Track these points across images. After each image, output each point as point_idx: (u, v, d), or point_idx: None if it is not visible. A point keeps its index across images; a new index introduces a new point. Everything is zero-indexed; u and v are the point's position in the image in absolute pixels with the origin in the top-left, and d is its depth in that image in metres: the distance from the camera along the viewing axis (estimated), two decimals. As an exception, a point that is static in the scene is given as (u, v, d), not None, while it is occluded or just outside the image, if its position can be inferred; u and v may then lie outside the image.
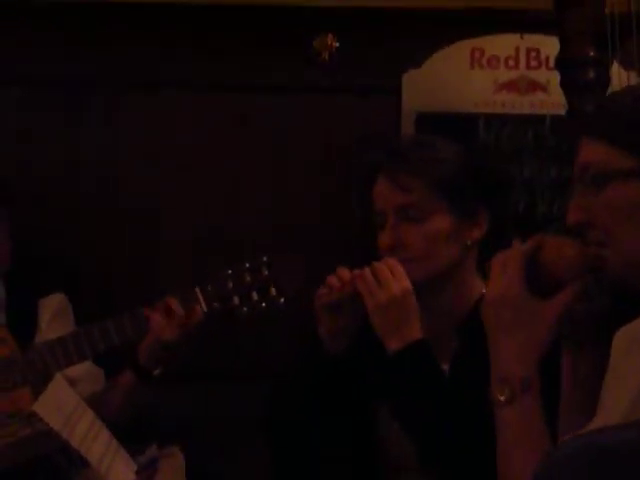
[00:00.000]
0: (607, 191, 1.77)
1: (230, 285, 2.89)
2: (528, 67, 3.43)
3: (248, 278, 2.89)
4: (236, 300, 2.89)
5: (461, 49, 3.47)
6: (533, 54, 3.42)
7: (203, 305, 2.90)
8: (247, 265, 2.90)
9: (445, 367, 2.34)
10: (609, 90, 2.56)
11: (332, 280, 2.36)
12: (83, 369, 3.06)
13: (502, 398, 1.84)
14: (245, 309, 2.89)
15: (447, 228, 2.40)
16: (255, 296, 2.88)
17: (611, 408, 1.59)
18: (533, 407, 1.82)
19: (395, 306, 2.26)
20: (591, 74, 2.52)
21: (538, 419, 1.82)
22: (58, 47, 3.62)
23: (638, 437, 1.43)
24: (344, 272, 2.35)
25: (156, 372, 2.93)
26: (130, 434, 2.62)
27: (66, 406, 2.46)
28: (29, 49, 3.61)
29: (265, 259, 2.89)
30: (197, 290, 2.91)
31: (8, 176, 3.28)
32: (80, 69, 3.62)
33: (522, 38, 3.43)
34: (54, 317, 3.20)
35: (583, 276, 1.82)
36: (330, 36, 3.57)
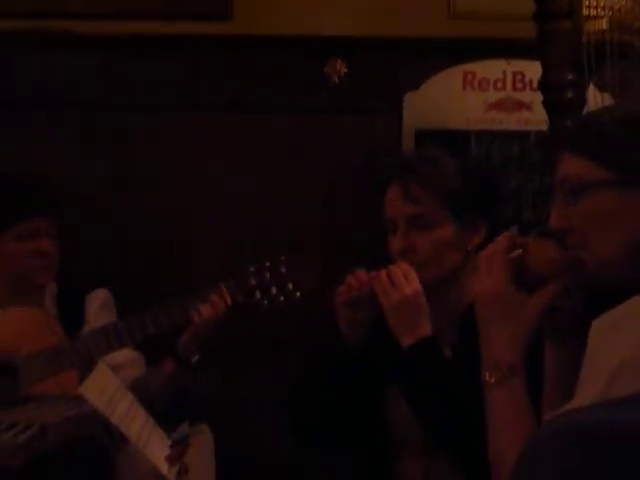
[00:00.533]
0: (583, 201, 1.78)
1: (252, 281, 2.93)
2: (514, 89, 3.44)
3: (268, 275, 2.92)
4: (257, 294, 2.93)
5: (455, 73, 3.48)
6: (519, 77, 3.43)
7: (228, 299, 2.92)
8: (267, 264, 2.93)
9: (447, 353, 2.37)
10: (585, 109, 2.57)
11: (351, 280, 2.39)
12: (126, 356, 3.07)
13: (492, 380, 1.85)
14: (265, 302, 2.93)
15: (451, 236, 2.43)
16: (274, 291, 2.92)
17: (587, 390, 1.59)
18: (520, 389, 1.84)
19: (407, 305, 2.29)
20: (570, 95, 2.52)
21: (524, 400, 1.84)
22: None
23: (612, 416, 1.41)
24: (362, 274, 2.38)
25: (194, 360, 2.97)
26: (164, 414, 2.60)
27: (108, 389, 2.45)
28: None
29: (283, 259, 2.92)
30: (222, 286, 2.93)
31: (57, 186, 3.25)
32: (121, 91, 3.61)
33: (508, 63, 3.44)
34: (99, 310, 3.21)
35: (563, 275, 1.85)
36: (339, 62, 3.56)
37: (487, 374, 1.86)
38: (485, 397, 1.87)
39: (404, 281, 2.31)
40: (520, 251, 1.87)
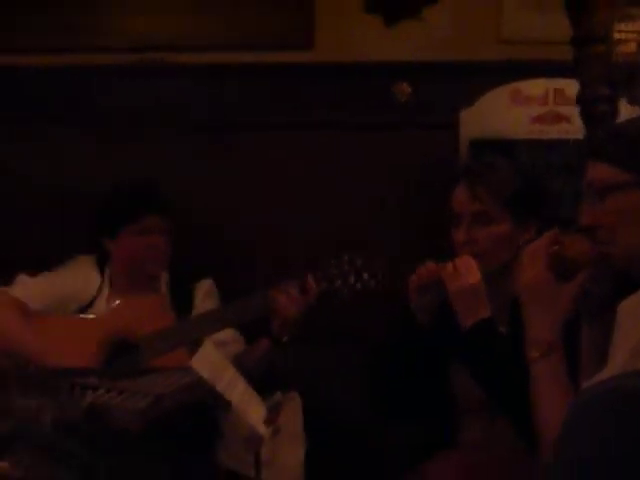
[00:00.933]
0: (609, 201, 1.80)
1: (334, 272, 2.93)
2: (555, 103, 3.38)
3: (346, 267, 2.92)
4: (339, 282, 2.92)
5: (504, 91, 3.43)
6: (559, 93, 3.37)
7: (314, 286, 2.93)
8: (346, 257, 2.93)
9: (503, 330, 2.39)
10: (618, 120, 2.53)
11: (421, 270, 2.41)
12: (228, 335, 3.09)
13: (535, 355, 1.89)
14: (345, 290, 2.92)
15: (507, 232, 2.45)
16: (352, 280, 2.91)
17: (614, 362, 1.62)
18: (559, 363, 1.87)
19: (469, 292, 2.29)
20: (604, 108, 2.47)
21: (563, 372, 1.87)
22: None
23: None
24: (431, 264, 2.40)
25: (285, 339, 2.98)
26: (260, 384, 2.61)
27: (213, 362, 2.47)
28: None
29: (359, 253, 2.92)
30: (308, 275, 2.93)
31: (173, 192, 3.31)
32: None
33: (549, 81, 3.39)
34: (205, 297, 3.23)
35: (593, 266, 1.88)
36: (405, 84, 3.55)
37: (530, 350, 1.90)
38: (529, 371, 1.90)
39: (467, 271, 2.31)
40: (557, 247, 1.91)
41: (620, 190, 1.78)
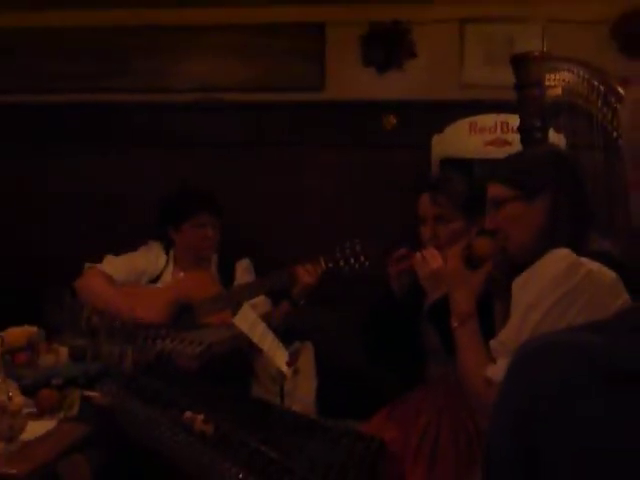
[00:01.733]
0: (502, 210, 1.87)
1: (338, 254, 2.95)
2: (502, 132, 3.39)
3: (348, 251, 2.94)
4: (342, 263, 2.93)
5: (464, 122, 3.43)
6: (505, 124, 3.38)
7: (323, 265, 2.94)
8: (348, 244, 2.95)
9: None
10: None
11: (397, 253, 2.39)
12: (260, 299, 3.09)
13: (456, 324, 1.92)
14: (346, 268, 2.93)
15: (462, 227, 2.43)
16: (352, 261, 2.92)
17: (511, 323, 1.72)
18: (475, 328, 1.90)
19: (434, 275, 2.26)
20: (537, 135, 2.46)
21: (477, 335, 1.89)
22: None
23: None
24: (403, 250, 2.38)
25: (301, 302, 2.99)
26: (283, 336, 2.65)
27: (250, 320, 2.49)
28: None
29: (357, 241, 2.94)
30: (320, 257, 2.95)
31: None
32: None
33: (498, 116, 3.39)
34: (243, 272, 3.25)
35: (495, 257, 1.94)
36: (391, 116, 3.55)
37: (454, 321, 1.93)
38: (453, 336, 1.92)
39: (432, 259, 2.28)
40: (467, 247, 1.99)
41: (509, 202, 1.85)
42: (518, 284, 1.74)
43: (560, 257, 1.71)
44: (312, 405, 3.13)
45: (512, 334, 1.73)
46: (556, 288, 1.66)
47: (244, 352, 2.85)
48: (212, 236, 3.17)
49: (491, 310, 1.96)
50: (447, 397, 2.31)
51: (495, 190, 1.90)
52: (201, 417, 1.80)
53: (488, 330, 1.89)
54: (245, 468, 1.64)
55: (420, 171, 3.34)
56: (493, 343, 1.74)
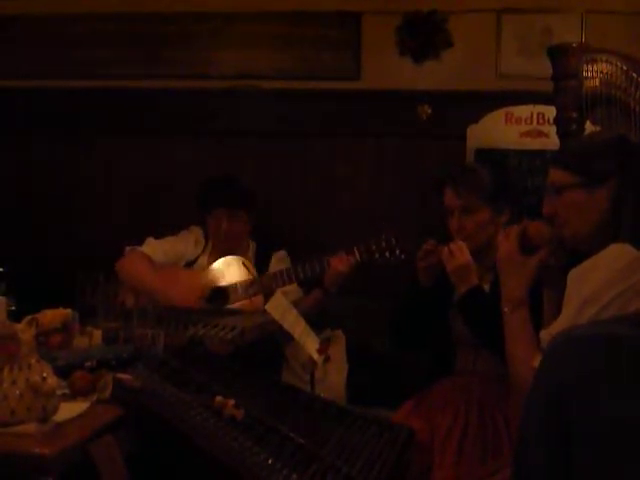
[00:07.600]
0: (562, 196, 1.79)
1: (373, 246, 2.93)
2: (538, 123, 3.35)
3: (383, 243, 2.92)
4: (376, 255, 2.92)
5: (500, 113, 3.41)
6: (541, 116, 3.34)
7: (358, 256, 2.92)
8: (383, 236, 2.93)
9: (486, 288, 2.38)
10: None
11: (426, 246, 2.40)
12: (293, 287, 3.09)
13: (508, 309, 1.88)
14: (380, 260, 2.92)
15: (487, 218, 2.42)
16: (387, 253, 2.91)
17: (564, 315, 1.64)
18: (525, 315, 1.86)
19: (461, 269, 2.28)
20: (573, 127, 2.42)
21: (528, 322, 1.85)
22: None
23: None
24: (431, 242, 2.39)
25: (333, 290, 2.97)
26: (315, 323, 2.65)
27: (282, 307, 2.50)
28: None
29: (393, 234, 2.92)
30: (355, 248, 2.93)
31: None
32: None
33: (534, 107, 3.36)
34: (278, 262, 3.24)
35: (551, 244, 1.87)
36: (426, 106, 3.53)
37: (505, 306, 1.89)
38: (503, 321, 1.89)
39: (459, 253, 2.30)
40: (523, 230, 1.91)
41: (570, 189, 1.76)
42: (574, 275, 1.65)
43: (622, 252, 1.61)
44: (342, 393, 3.12)
45: (565, 327, 1.68)
46: (615, 284, 1.57)
47: (275, 339, 2.85)
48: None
49: (540, 298, 1.92)
50: (475, 389, 2.31)
51: (555, 175, 1.80)
52: (232, 402, 1.80)
53: (536, 319, 1.86)
54: (274, 454, 1.64)
55: (459, 160, 3.33)
56: (543, 334, 1.68)
